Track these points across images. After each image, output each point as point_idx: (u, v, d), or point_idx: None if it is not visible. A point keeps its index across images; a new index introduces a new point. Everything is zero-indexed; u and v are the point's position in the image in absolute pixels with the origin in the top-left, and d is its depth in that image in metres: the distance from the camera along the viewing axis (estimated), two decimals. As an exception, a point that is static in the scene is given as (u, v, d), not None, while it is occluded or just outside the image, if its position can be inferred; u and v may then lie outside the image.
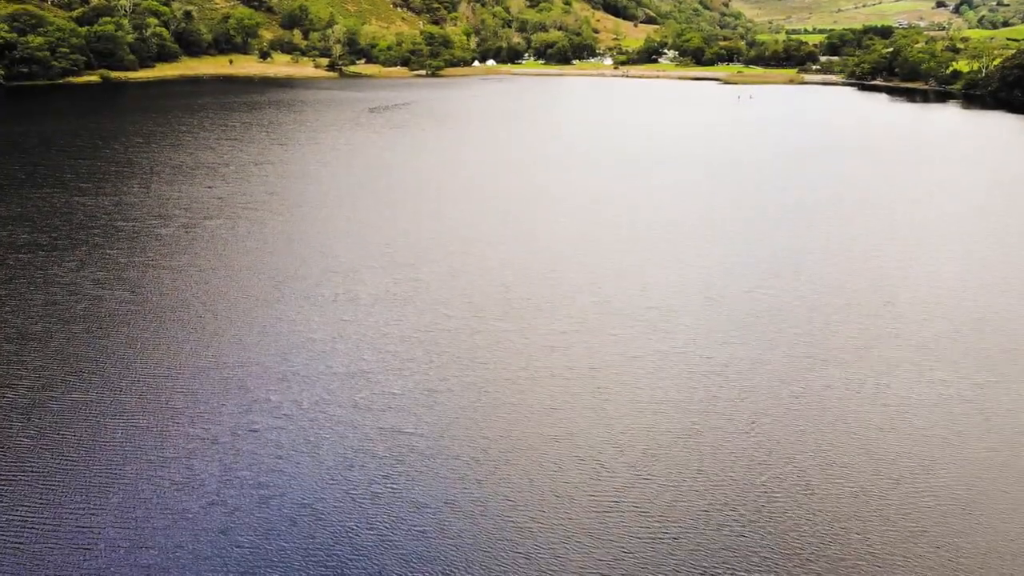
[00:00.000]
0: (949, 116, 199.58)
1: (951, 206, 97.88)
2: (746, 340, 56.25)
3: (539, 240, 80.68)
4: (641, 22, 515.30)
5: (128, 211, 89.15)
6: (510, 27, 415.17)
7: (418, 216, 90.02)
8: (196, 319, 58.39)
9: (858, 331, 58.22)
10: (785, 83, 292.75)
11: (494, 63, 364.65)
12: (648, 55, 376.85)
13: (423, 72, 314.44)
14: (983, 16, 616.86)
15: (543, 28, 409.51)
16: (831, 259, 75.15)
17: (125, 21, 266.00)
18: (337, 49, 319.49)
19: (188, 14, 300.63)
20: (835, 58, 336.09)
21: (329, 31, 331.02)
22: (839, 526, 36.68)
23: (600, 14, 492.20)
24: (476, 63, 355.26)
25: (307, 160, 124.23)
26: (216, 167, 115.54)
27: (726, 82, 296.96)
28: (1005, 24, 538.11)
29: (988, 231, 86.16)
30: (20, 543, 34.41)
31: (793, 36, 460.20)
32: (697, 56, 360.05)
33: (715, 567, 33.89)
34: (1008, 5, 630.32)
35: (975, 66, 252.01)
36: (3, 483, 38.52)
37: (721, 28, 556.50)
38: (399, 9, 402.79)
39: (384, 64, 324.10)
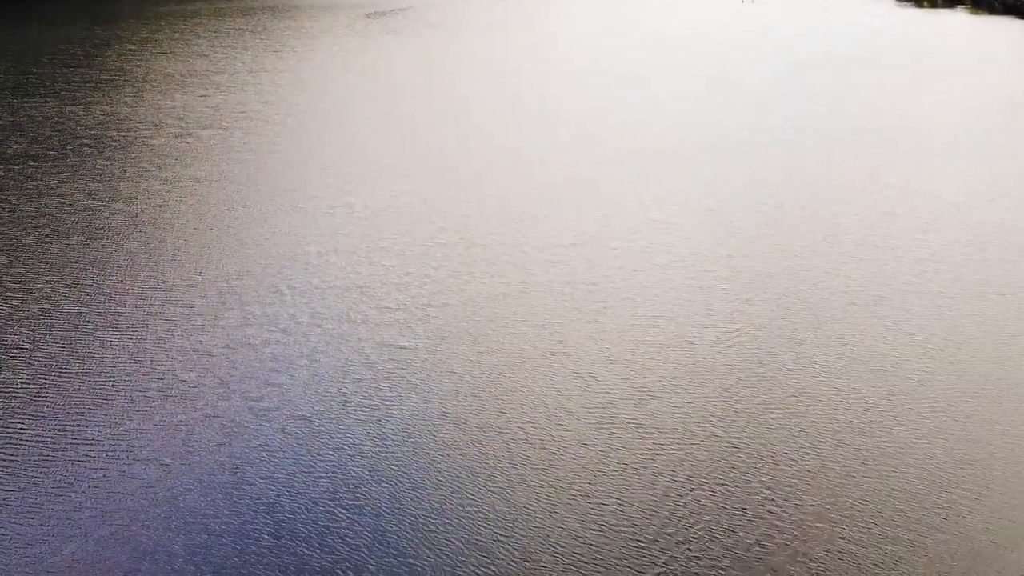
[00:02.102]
0: (957, 22, 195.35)
1: (956, 118, 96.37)
2: (747, 253, 55.82)
3: (538, 153, 79.64)
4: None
5: (121, 121, 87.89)
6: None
7: (415, 127, 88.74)
8: (190, 231, 57.91)
9: (858, 242, 57.76)
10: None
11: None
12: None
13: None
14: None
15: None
16: (832, 170, 74.22)
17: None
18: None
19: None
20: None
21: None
22: (833, 436, 36.81)
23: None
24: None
25: (302, 68, 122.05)
26: (209, 75, 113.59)
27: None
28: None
29: (992, 143, 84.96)
30: (14, 458, 34.56)
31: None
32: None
33: (707, 478, 34.09)
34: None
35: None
36: (-1, 396, 38.60)
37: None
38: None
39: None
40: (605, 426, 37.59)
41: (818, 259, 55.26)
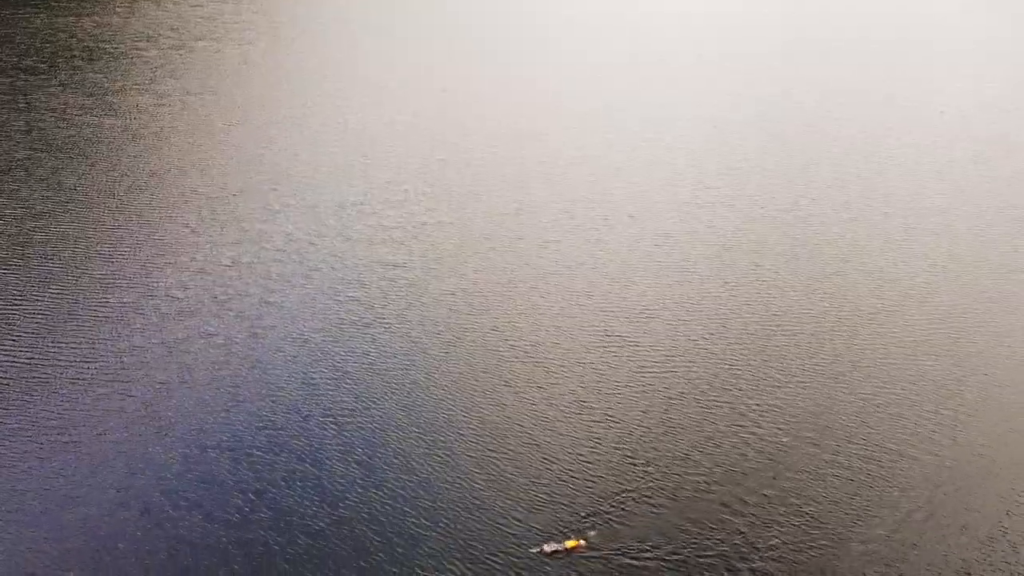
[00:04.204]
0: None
1: (960, 29, 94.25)
2: (749, 169, 55.11)
3: (538, 70, 78.14)
4: None
5: (113, 32, 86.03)
6: None
7: (413, 45, 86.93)
8: (184, 147, 57.08)
9: (861, 160, 57.01)
10: None
11: None
12: None
13: None
14: None
15: None
16: (837, 89, 72.91)
17: None
18: None
19: None
20: None
21: None
22: (829, 352, 36.75)
23: None
24: None
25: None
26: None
27: None
28: None
29: (997, 55, 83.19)
30: (13, 377, 34.52)
31: None
32: None
33: (700, 395, 34.06)
34: None
35: None
36: (-7, 314, 38.41)
37: None
38: None
39: None
40: (601, 344, 37.43)
41: (820, 175, 54.50)
